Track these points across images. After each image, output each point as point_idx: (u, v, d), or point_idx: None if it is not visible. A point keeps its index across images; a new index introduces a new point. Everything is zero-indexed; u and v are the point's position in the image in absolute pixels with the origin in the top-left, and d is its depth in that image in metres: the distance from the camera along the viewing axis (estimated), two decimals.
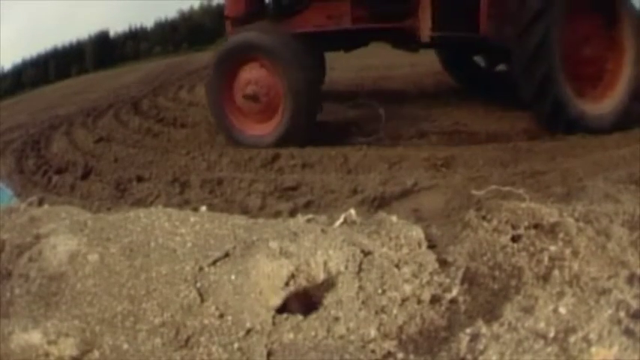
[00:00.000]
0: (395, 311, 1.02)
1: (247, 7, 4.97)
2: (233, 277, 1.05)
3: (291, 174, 4.67)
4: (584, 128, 4.89)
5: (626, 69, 5.26)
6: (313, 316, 1.00)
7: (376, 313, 1.02)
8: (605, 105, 5.19)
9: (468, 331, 0.84)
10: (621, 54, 5.27)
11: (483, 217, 1.22)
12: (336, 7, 4.94)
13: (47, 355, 0.89)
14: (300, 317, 0.99)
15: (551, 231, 1.12)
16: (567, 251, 1.04)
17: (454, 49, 6.17)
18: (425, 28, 4.76)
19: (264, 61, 4.70)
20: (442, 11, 4.75)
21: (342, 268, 1.10)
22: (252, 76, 4.84)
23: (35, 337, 0.90)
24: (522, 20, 4.84)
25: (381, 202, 3.80)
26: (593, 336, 0.78)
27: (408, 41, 5.30)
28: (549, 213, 1.18)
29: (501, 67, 6.47)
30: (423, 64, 7.61)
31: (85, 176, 5.60)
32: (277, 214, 3.58)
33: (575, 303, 0.88)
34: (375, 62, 8.05)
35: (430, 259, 1.14)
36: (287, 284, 1.07)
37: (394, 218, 1.26)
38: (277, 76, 4.67)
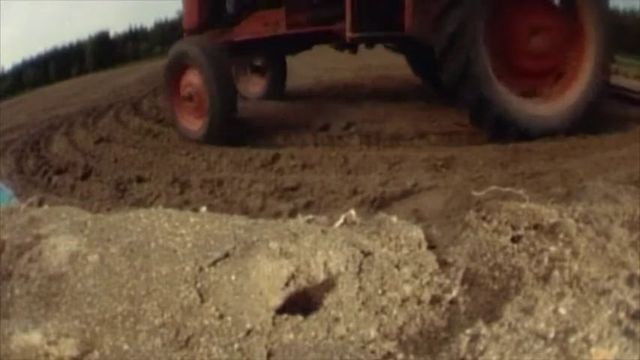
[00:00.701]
0: (395, 312, 1.02)
1: (199, 21, 5.46)
2: (233, 277, 1.05)
3: (291, 174, 4.67)
4: (532, 129, 4.64)
5: (587, 63, 4.89)
6: (313, 316, 1.00)
7: (376, 313, 1.02)
8: (560, 104, 4.88)
9: (468, 331, 0.84)
10: (582, 46, 4.94)
11: (483, 218, 1.22)
12: (272, 15, 5.27)
13: (47, 355, 0.89)
14: (300, 318, 0.99)
15: (551, 231, 1.12)
16: (567, 252, 1.04)
17: (422, 53, 5.90)
18: (347, 29, 4.93)
19: (194, 68, 5.26)
20: (362, 12, 4.89)
21: (342, 269, 1.10)
22: (189, 80, 5.36)
23: (35, 337, 0.90)
24: (437, 12, 4.62)
25: (381, 203, 3.80)
26: (593, 336, 0.78)
27: (340, 44, 5.50)
28: (549, 214, 1.18)
29: None
30: None
31: (85, 177, 5.59)
32: (277, 215, 3.58)
33: (575, 303, 0.88)
34: (375, 62, 8.04)
35: (430, 259, 1.14)
36: (287, 285, 1.08)
37: (394, 219, 1.26)
38: (202, 81, 5.20)
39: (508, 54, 4.80)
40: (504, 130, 4.67)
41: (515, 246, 1.11)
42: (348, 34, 4.95)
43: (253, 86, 7.16)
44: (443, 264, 1.13)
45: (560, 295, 0.91)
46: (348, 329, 0.98)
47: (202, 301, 1.00)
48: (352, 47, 5.69)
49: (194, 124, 5.49)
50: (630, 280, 0.94)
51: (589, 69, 4.90)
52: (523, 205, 1.22)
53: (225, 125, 5.19)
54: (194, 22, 5.55)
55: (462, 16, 4.55)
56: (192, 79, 5.30)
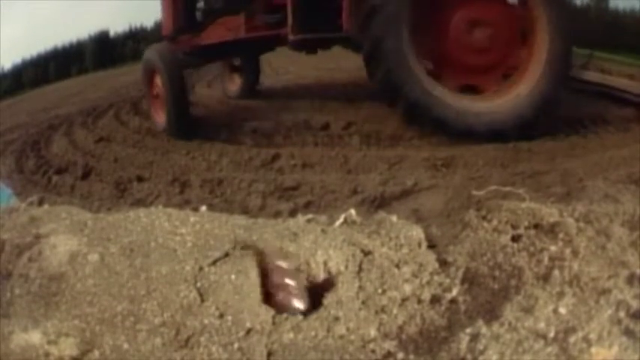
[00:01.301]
0: (395, 311, 1.02)
1: (174, 28, 5.95)
2: (233, 276, 1.05)
3: (291, 174, 4.67)
4: (476, 127, 4.55)
5: (539, 57, 4.67)
6: (313, 316, 1.00)
7: (376, 312, 1.02)
8: (506, 100, 4.70)
9: (468, 331, 0.84)
10: (533, 40, 4.75)
11: (483, 217, 1.22)
12: (234, 21, 5.68)
13: (47, 355, 0.89)
14: (300, 317, 0.99)
15: (551, 231, 1.12)
16: (567, 251, 1.04)
17: None
18: (289, 32, 5.20)
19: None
20: (302, 14, 5.10)
21: (342, 268, 1.10)
22: (156, 81, 5.93)
23: (35, 337, 0.90)
24: (363, 14, 4.61)
25: (381, 202, 3.80)
26: (593, 336, 0.78)
27: (292, 46, 5.72)
28: (549, 213, 1.18)
29: None
30: None
31: (85, 176, 5.60)
32: (277, 214, 3.59)
33: (575, 303, 0.88)
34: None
35: (430, 259, 1.14)
36: None
37: (394, 218, 1.26)
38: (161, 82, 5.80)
39: (448, 50, 4.72)
40: (443, 129, 4.63)
41: (516, 245, 1.11)
42: (290, 37, 5.21)
43: (234, 85, 7.69)
44: (443, 263, 1.13)
45: (560, 295, 0.91)
46: (348, 329, 0.98)
47: (202, 300, 1.00)
48: (310, 48, 5.94)
49: (161, 118, 6.10)
50: (630, 280, 0.94)
51: (540, 64, 4.70)
52: (523, 205, 1.22)
53: (178, 119, 5.79)
54: (169, 30, 6.04)
55: (386, 20, 4.52)
56: (157, 80, 5.89)
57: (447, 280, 1.08)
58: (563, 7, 4.80)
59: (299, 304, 1.02)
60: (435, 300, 1.05)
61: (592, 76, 6.51)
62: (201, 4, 6.10)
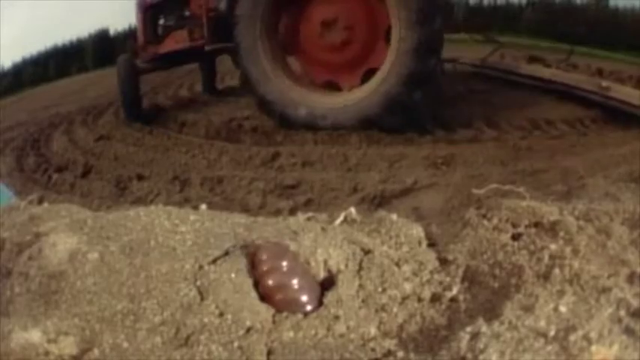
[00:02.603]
0: (395, 310, 1.02)
1: (144, 40, 7.08)
2: (233, 275, 1.05)
3: (291, 172, 4.67)
4: (325, 122, 4.91)
5: (389, 54, 4.79)
6: (313, 314, 1.00)
7: (376, 311, 1.02)
8: (356, 96, 4.93)
9: (469, 329, 0.84)
10: (385, 37, 4.90)
11: (483, 216, 1.22)
12: (181, 34, 6.67)
13: (47, 353, 0.89)
14: (300, 316, 0.99)
15: (552, 229, 1.12)
16: (567, 250, 1.04)
17: None
18: (205, 42, 6.19)
19: None
20: (214, 25, 6.02)
21: (342, 267, 1.10)
22: None
23: (35, 335, 0.90)
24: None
25: (381, 201, 3.81)
26: (593, 334, 0.78)
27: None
28: (549, 211, 1.18)
29: None
30: None
31: (85, 174, 5.60)
32: (277, 213, 3.59)
33: (575, 301, 0.88)
34: None
35: (430, 257, 1.14)
36: None
37: (394, 216, 1.26)
38: None
39: (309, 49, 5.24)
40: (291, 123, 5.18)
41: (516, 244, 1.11)
42: (206, 47, 6.18)
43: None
44: (443, 262, 1.13)
45: (561, 293, 0.91)
46: (348, 327, 0.98)
47: (202, 299, 1.00)
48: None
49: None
50: (631, 278, 0.94)
51: (389, 62, 4.82)
52: (523, 203, 1.22)
53: (129, 110, 7.16)
54: (141, 41, 7.18)
55: (244, 27, 5.33)
56: None
57: (447, 279, 1.08)
58: (413, 7, 4.81)
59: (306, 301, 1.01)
60: (435, 298, 1.05)
61: (542, 72, 6.75)
62: (161, 22, 7.27)
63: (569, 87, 6.06)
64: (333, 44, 5.06)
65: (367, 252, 1.13)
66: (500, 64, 7.41)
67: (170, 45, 6.86)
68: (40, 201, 1.84)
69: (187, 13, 6.73)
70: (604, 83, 5.65)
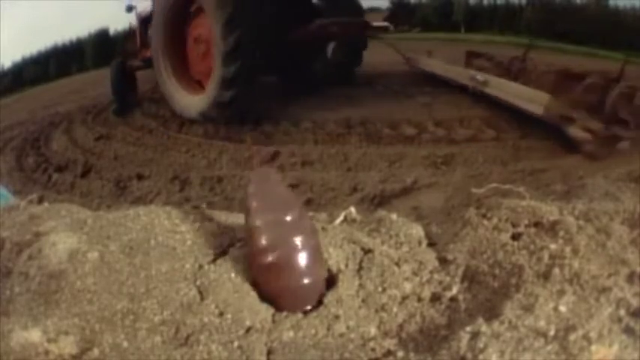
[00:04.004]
0: (395, 309, 1.02)
1: (139, 45, 8.12)
2: (233, 275, 1.05)
3: (291, 172, 4.67)
4: (189, 116, 6.47)
5: (215, 64, 6.04)
6: (313, 314, 1.00)
7: (376, 311, 1.02)
8: (201, 97, 6.39)
9: (468, 329, 0.84)
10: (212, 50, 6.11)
11: (483, 215, 1.21)
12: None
13: (47, 353, 0.89)
14: (300, 315, 0.99)
15: (552, 229, 1.12)
16: (567, 249, 1.04)
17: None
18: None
19: None
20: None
21: (342, 266, 1.10)
22: None
23: (35, 335, 0.90)
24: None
25: (381, 200, 3.81)
26: (593, 334, 0.78)
27: None
28: (549, 211, 1.18)
29: None
30: None
31: (84, 174, 5.60)
32: None
33: (575, 301, 0.88)
34: (373, 60, 8.04)
35: (430, 257, 1.14)
36: None
37: (394, 216, 1.26)
38: None
39: (189, 61, 6.84)
40: (173, 112, 6.81)
41: (516, 243, 1.11)
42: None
43: None
44: (443, 261, 1.13)
45: (561, 293, 0.91)
46: (348, 327, 0.98)
47: (202, 298, 1.00)
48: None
49: None
50: (630, 278, 0.94)
51: (215, 69, 6.11)
52: (523, 203, 1.22)
53: (117, 103, 8.09)
54: (137, 46, 8.23)
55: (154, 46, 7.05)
56: None
57: (447, 278, 1.08)
58: (221, 20, 5.95)
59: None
60: (435, 298, 1.05)
61: (433, 66, 7.26)
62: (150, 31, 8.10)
63: (448, 80, 6.61)
64: (200, 56, 6.61)
65: (367, 251, 1.13)
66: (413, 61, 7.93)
67: (148, 52, 7.89)
68: (40, 201, 1.84)
69: None
70: (479, 77, 5.75)
